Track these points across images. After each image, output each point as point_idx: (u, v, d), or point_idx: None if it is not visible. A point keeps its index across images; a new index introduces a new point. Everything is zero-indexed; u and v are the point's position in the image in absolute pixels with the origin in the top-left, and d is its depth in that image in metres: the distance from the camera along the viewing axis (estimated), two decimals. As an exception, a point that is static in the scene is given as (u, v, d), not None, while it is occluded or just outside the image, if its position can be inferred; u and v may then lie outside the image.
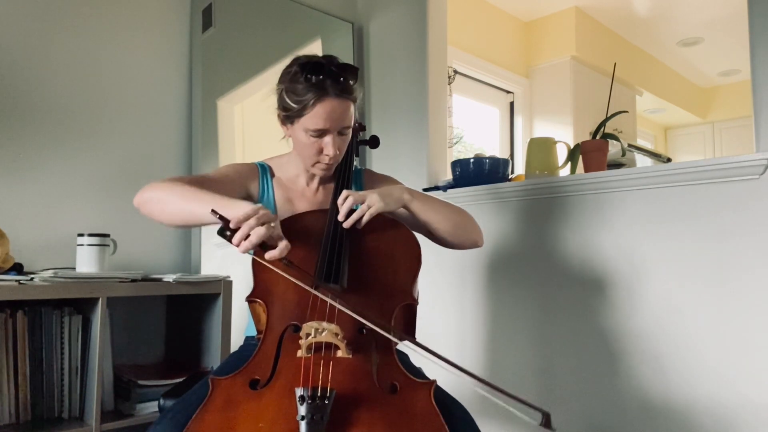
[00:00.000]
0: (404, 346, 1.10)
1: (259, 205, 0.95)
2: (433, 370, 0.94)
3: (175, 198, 1.03)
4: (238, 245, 0.91)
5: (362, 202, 1.09)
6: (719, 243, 1.43)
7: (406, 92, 2.26)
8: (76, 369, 1.44)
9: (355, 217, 1.08)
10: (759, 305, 1.36)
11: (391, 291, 1.04)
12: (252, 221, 0.91)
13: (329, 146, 1.15)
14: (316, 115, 1.11)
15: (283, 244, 0.94)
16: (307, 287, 0.95)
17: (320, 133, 1.14)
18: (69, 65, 1.74)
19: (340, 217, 1.08)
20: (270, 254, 0.93)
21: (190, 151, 1.99)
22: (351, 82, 1.14)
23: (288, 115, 1.15)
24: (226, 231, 0.92)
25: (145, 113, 1.90)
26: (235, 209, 0.94)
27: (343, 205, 1.08)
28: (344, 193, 1.09)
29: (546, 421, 0.71)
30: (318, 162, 1.20)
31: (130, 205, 1.10)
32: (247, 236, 0.91)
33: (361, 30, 2.49)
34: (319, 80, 1.10)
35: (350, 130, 1.19)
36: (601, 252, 1.64)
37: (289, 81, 1.13)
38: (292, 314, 0.98)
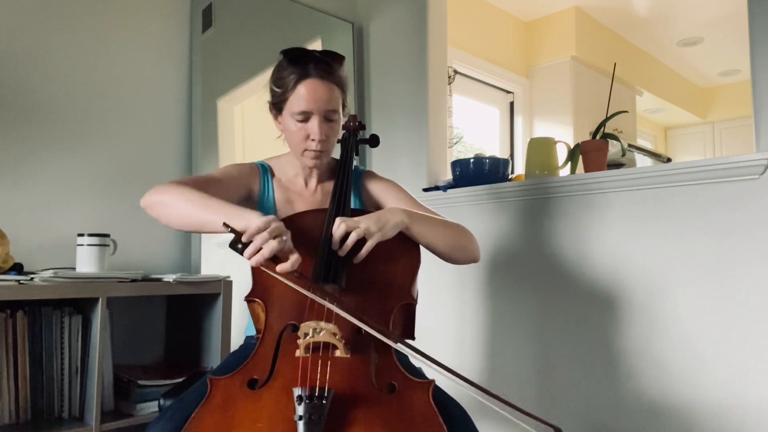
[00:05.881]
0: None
1: (272, 216, 0.94)
2: (432, 370, 0.94)
3: (183, 203, 1.02)
4: (249, 258, 0.90)
5: (356, 229, 1.02)
6: (719, 243, 1.43)
7: (406, 92, 2.26)
8: (76, 369, 1.44)
9: (349, 244, 1.01)
10: (759, 305, 1.36)
11: (390, 290, 1.04)
12: (265, 234, 0.90)
13: (315, 130, 1.16)
14: (298, 96, 1.14)
15: (294, 258, 0.93)
16: (312, 296, 0.93)
17: (305, 116, 1.16)
18: (69, 65, 1.74)
19: (334, 246, 1.02)
20: (281, 267, 0.92)
21: (190, 151, 1.99)
22: (334, 67, 1.17)
23: (275, 103, 1.20)
24: (238, 244, 0.91)
25: (145, 113, 1.90)
26: (246, 221, 0.93)
27: (337, 232, 1.01)
28: (337, 221, 1.03)
29: None
30: (306, 149, 1.20)
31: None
32: (259, 249, 0.90)
33: (361, 30, 2.49)
34: (301, 63, 1.14)
35: (338, 116, 1.19)
36: (601, 252, 1.64)
37: (275, 71, 1.19)
38: (291, 314, 0.98)
